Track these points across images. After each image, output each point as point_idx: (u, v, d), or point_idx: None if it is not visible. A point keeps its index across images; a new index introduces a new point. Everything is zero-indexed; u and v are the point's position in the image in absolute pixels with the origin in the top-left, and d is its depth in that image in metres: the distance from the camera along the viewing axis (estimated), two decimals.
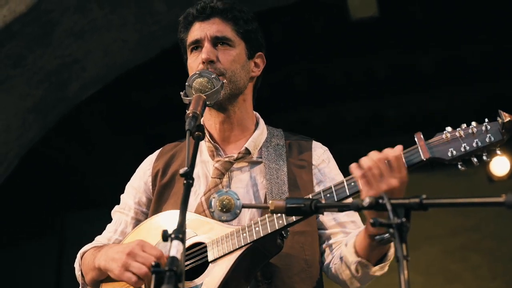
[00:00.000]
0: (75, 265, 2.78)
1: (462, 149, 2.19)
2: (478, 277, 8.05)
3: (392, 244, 2.36)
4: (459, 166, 2.22)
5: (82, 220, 8.61)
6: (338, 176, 2.70)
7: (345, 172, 2.47)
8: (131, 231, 2.73)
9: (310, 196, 2.36)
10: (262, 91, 2.90)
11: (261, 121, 2.83)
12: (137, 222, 2.78)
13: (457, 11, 6.68)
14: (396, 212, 1.81)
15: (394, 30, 6.89)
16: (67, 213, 8.94)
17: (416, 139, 2.26)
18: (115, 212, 2.86)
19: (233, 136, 2.75)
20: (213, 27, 2.69)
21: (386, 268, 2.42)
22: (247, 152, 2.68)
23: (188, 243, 2.48)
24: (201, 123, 2.24)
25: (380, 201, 1.85)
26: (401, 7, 6.69)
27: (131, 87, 7.29)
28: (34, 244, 8.97)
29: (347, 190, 2.29)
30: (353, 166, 2.25)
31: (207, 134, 2.73)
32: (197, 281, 2.43)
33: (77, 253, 2.78)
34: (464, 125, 2.24)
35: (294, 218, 2.31)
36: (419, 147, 2.24)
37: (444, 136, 2.23)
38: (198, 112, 2.25)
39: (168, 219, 2.59)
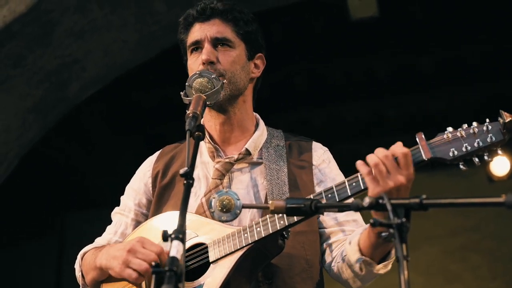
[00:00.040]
0: (75, 266, 2.78)
1: (464, 149, 2.19)
2: (478, 277, 8.05)
3: None
4: (461, 166, 2.22)
5: (82, 220, 8.61)
6: (339, 176, 2.70)
7: (346, 172, 2.47)
8: (131, 233, 2.73)
9: (312, 196, 2.36)
10: (262, 91, 2.90)
11: (261, 122, 2.83)
12: (137, 223, 2.78)
13: (457, 11, 6.68)
14: (396, 212, 1.81)
15: (394, 30, 6.89)
16: (67, 213, 8.94)
17: (417, 139, 2.26)
18: (115, 214, 2.86)
19: (233, 137, 2.75)
20: (213, 28, 2.69)
21: (389, 266, 2.42)
22: (248, 153, 2.68)
23: (189, 243, 2.48)
24: (201, 123, 2.24)
25: (380, 201, 1.85)
26: (401, 7, 6.69)
27: (131, 87, 7.29)
28: (34, 244, 8.97)
29: (348, 190, 2.29)
30: (359, 163, 2.25)
31: (207, 135, 2.73)
32: (198, 281, 2.43)
33: (77, 253, 2.78)
34: (465, 125, 2.24)
35: (295, 218, 2.31)
36: (420, 147, 2.24)
37: (445, 136, 2.23)
38: (198, 112, 2.25)
39: (168, 220, 2.59)
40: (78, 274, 2.75)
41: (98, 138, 7.94)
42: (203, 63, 2.63)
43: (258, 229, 2.37)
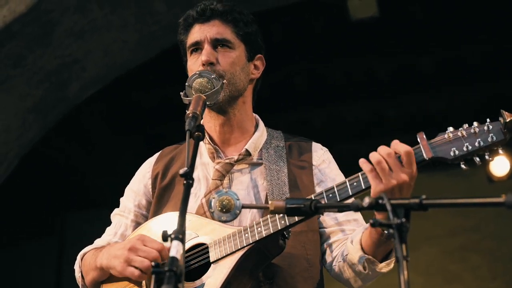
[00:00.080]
0: (75, 267, 2.78)
1: (465, 149, 2.20)
2: (478, 277, 8.05)
3: None
4: (462, 166, 2.22)
5: (82, 220, 8.61)
6: (339, 177, 2.70)
7: (346, 172, 2.47)
8: (130, 234, 2.73)
9: (312, 196, 2.36)
10: (262, 92, 2.90)
11: (261, 123, 2.83)
12: (137, 225, 2.78)
13: (457, 11, 6.69)
14: (396, 212, 1.81)
15: (394, 30, 6.89)
16: (67, 213, 8.94)
17: (418, 138, 2.26)
18: (115, 215, 2.86)
19: (233, 138, 2.75)
20: (213, 29, 2.69)
21: (392, 265, 2.42)
22: (248, 153, 2.69)
23: (190, 244, 2.48)
24: (201, 123, 2.24)
25: (380, 201, 1.85)
26: (401, 7, 6.69)
27: (131, 87, 7.29)
28: (34, 244, 8.97)
29: (349, 190, 2.29)
30: (362, 161, 2.25)
31: (207, 136, 2.73)
32: (199, 281, 2.43)
33: (77, 253, 2.78)
34: (466, 125, 2.25)
35: (296, 218, 2.31)
36: (421, 147, 2.24)
37: (446, 136, 2.24)
38: (198, 112, 2.25)
39: (168, 220, 2.59)
40: (77, 275, 2.75)
41: (98, 138, 7.94)
42: (203, 64, 2.63)
43: (259, 229, 2.37)
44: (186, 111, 2.27)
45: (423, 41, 6.96)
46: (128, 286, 2.54)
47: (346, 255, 2.50)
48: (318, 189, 2.62)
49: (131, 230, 2.78)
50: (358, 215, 2.67)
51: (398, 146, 2.23)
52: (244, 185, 2.66)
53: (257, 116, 2.85)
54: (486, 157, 2.21)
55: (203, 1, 2.77)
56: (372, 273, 2.43)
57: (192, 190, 2.52)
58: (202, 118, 2.27)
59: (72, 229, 8.72)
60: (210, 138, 2.74)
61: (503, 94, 7.41)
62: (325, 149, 2.82)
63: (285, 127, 2.93)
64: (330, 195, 2.31)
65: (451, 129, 2.25)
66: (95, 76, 5.76)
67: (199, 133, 2.19)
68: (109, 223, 2.88)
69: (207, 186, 2.66)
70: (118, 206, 2.88)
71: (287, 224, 2.33)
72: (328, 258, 2.62)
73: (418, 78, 7.53)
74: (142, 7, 5.29)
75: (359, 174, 2.29)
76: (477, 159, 2.21)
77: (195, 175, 2.62)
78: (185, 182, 2.00)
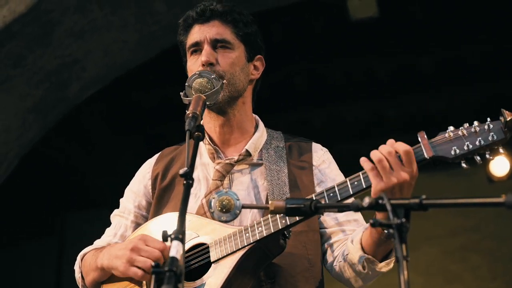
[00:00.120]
0: (74, 268, 2.77)
1: (465, 148, 2.20)
2: (478, 277, 8.05)
3: None
4: (462, 165, 2.23)
5: (82, 220, 8.61)
6: (339, 177, 2.70)
7: (346, 172, 2.47)
8: (130, 234, 2.73)
9: (313, 195, 2.36)
10: (262, 92, 2.90)
11: (261, 124, 2.83)
12: (137, 226, 2.77)
13: (457, 11, 6.69)
14: (396, 212, 1.81)
15: (394, 30, 6.89)
16: (67, 213, 8.94)
17: (419, 138, 2.27)
18: (115, 216, 2.86)
19: (233, 139, 2.75)
20: (212, 29, 2.69)
21: (392, 264, 2.42)
22: (248, 154, 2.69)
23: (190, 244, 2.49)
24: (201, 124, 2.24)
25: (380, 201, 1.85)
26: (401, 7, 6.70)
27: (131, 87, 7.29)
28: (34, 244, 8.97)
29: (350, 189, 2.30)
30: (363, 159, 2.25)
31: (207, 136, 2.73)
32: (200, 281, 2.43)
33: (77, 254, 2.78)
34: (466, 124, 2.25)
35: (297, 218, 2.31)
36: (422, 146, 2.25)
37: (447, 135, 2.24)
38: (198, 113, 2.25)
39: (168, 221, 2.59)
40: (77, 275, 2.75)
41: (98, 138, 7.94)
42: (203, 65, 2.63)
43: (260, 228, 2.37)
44: (186, 111, 2.27)
45: (423, 41, 6.96)
46: (128, 286, 2.54)
47: (347, 254, 2.50)
48: (318, 189, 2.62)
49: (131, 231, 2.77)
50: (358, 216, 2.67)
51: (398, 145, 2.24)
52: (245, 186, 2.66)
53: (257, 117, 2.85)
54: (487, 156, 2.21)
55: (203, 1, 2.77)
56: (372, 272, 2.44)
57: (192, 190, 2.52)
58: (202, 118, 2.27)
59: (72, 229, 8.73)
60: (210, 138, 2.74)
61: (503, 94, 7.41)
62: (325, 149, 2.83)
63: (285, 127, 2.93)
64: (331, 194, 2.31)
65: (451, 128, 2.25)
66: (95, 76, 5.76)
67: (199, 133, 2.19)
68: (109, 223, 2.88)
69: (207, 186, 2.66)
70: (118, 206, 2.88)
71: (288, 223, 2.33)
72: (329, 258, 2.62)
73: (418, 78, 7.53)
74: (142, 7, 5.29)
75: (360, 173, 2.29)
76: (478, 158, 2.22)
77: (195, 175, 2.62)
78: (185, 182, 2.00)
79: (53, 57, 5.35)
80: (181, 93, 2.57)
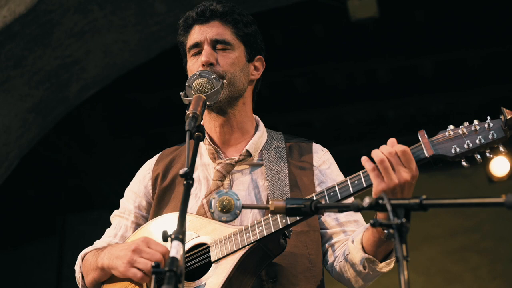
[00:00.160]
0: (75, 267, 2.77)
1: (466, 146, 2.21)
2: (478, 277, 8.06)
3: None
4: (463, 163, 2.23)
5: (83, 221, 8.62)
6: (339, 177, 2.70)
7: (346, 173, 2.48)
8: (131, 235, 2.73)
9: (314, 195, 2.36)
10: (263, 93, 2.90)
11: (261, 124, 2.83)
12: (137, 226, 2.77)
13: (457, 13, 6.69)
14: (396, 212, 1.81)
15: (395, 33, 6.90)
16: (67, 214, 8.94)
17: (419, 136, 2.27)
18: (115, 217, 2.86)
19: (233, 139, 2.75)
20: (212, 30, 2.69)
21: (392, 265, 2.42)
22: (248, 154, 2.69)
23: (190, 244, 2.49)
24: (201, 124, 2.24)
25: (380, 201, 1.85)
26: (402, 10, 6.70)
27: (131, 88, 7.29)
28: (35, 245, 8.98)
29: (350, 188, 2.30)
30: (364, 159, 2.25)
31: (207, 137, 2.73)
32: (200, 281, 2.43)
33: (77, 254, 2.77)
34: (466, 123, 2.26)
35: (297, 217, 2.31)
36: (422, 145, 2.25)
37: (447, 133, 2.25)
38: (198, 113, 2.26)
39: (168, 221, 2.59)
40: (78, 275, 2.75)
41: (98, 139, 7.94)
42: (203, 65, 2.63)
43: (260, 228, 2.37)
44: (186, 111, 2.27)
45: (423, 43, 6.96)
46: (129, 286, 2.54)
47: (347, 254, 2.51)
48: (319, 190, 2.62)
49: (131, 231, 2.77)
50: (358, 216, 2.67)
51: (395, 146, 2.24)
52: (245, 186, 2.66)
53: (257, 117, 2.86)
54: (487, 154, 2.22)
55: (203, 2, 2.77)
56: (373, 272, 2.44)
57: (193, 190, 2.52)
58: (202, 119, 2.27)
59: (73, 230, 8.73)
60: (211, 138, 2.74)
61: (503, 97, 7.41)
62: (325, 150, 2.83)
63: (285, 128, 2.93)
64: (331, 193, 2.32)
65: (451, 127, 2.26)
66: (95, 76, 5.77)
67: (199, 133, 2.19)
68: (109, 224, 2.88)
69: (208, 186, 2.66)
70: (118, 207, 2.88)
71: (288, 223, 2.33)
72: (330, 258, 2.62)
73: (418, 79, 7.53)
74: (143, 7, 5.30)
75: (360, 172, 2.30)
76: (478, 156, 2.22)
77: (195, 176, 2.63)
78: (185, 182, 2.00)
79: (53, 57, 5.35)
80: (181, 93, 2.57)
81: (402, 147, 2.23)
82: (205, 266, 2.46)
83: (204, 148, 2.74)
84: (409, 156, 2.22)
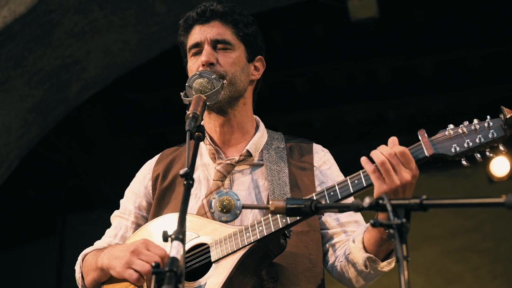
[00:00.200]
0: (75, 268, 2.77)
1: (465, 145, 2.21)
2: (478, 277, 8.06)
3: None
4: (463, 162, 2.23)
5: (83, 221, 8.62)
6: (340, 178, 2.70)
7: (346, 173, 2.48)
8: (131, 235, 2.73)
9: (314, 194, 2.36)
10: (263, 93, 2.90)
11: (261, 125, 2.83)
12: (137, 226, 2.77)
13: (457, 13, 6.69)
14: (396, 212, 1.81)
15: (395, 33, 6.90)
16: (67, 214, 8.94)
17: (419, 136, 2.27)
18: (115, 217, 2.86)
19: (233, 139, 2.75)
20: (213, 30, 2.69)
21: (393, 264, 2.42)
22: (249, 154, 2.69)
23: (190, 244, 2.49)
24: (201, 124, 2.24)
25: (380, 201, 1.85)
26: (402, 10, 6.70)
27: (131, 88, 7.30)
28: (35, 245, 8.98)
29: (350, 188, 2.30)
30: (364, 160, 2.25)
31: (207, 137, 2.73)
32: (200, 281, 2.43)
33: (77, 255, 2.77)
34: (466, 122, 2.26)
35: (298, 217, 2.31)
36: (422, 144, 2.25)
37: (447, 132, 2.25)
38: (198, 113, 2.26)
39: (168, 222, 2.59)
40: (78, 275, 2.75)
41: (98, 139, 7.94)
42: (203, 65, 2.63)
43: (260, 228, 2.37)
44: (186, 111, 2.27)
45: (424, 43, 6.96)
46: (129, 287, 2.54)
47: (348, 254, 2.50)
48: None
49: (131, 232, 2.77)
50: (359, 216, 2.67)
51: (394, 147, 2.24)
52: (245, 186, 2.66)
53: (257, 118, 2.86)
54: (487, 153, 2.21)
55: (203, 2, 2.77)
56: (374, 272, 2.44)
57: (193, 191, 2.52)
58: (202, 119, 2.27)
59: (73, 230, 8.72)
60: (211, 138, 2.74)
61: (503, 97, 7.41)
62: (326, 150, 2.83)
63: (285, 128, 2.94)
64: (331, 193, 2.32)
65: (451, 126, 2.26)
66: (95, 76, 5.77)
67: (200, 133, 2.19)
68: (109, 224, 2.88)
69: (208, 187, 2.66)
70: (118, 207, 2.88)
71: (288, 223, 2.33)
72: (331, 259, 2.62)
73: (418, 79, 7.53)
74: (143, 8, 5.30)
75: (360, 172, 2.30)
76: (478, 155, 2.22)
77: (195, 176, 2.63)
78: (185, 182, 2.00)
79: (54, 57, 5.36)
80: (181, 93, 2.57)
81: (400, 148, 2.23)
82: (205, 266, 2.46)
83: (204, 148, 2.74)
84: (408, 157, 2.22)
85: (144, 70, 6.40)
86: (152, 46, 5.74)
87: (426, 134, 2.26)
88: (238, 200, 2.26)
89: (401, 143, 2.27)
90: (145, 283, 2.48)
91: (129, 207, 2.82)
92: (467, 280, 8.06)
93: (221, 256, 2.42)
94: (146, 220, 2.77)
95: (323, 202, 2.27)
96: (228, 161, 2.67)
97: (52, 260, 8.62)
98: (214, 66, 2.64)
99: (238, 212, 2.27)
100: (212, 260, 2.44)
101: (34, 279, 8.78)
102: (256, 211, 2.58)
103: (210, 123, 2.75)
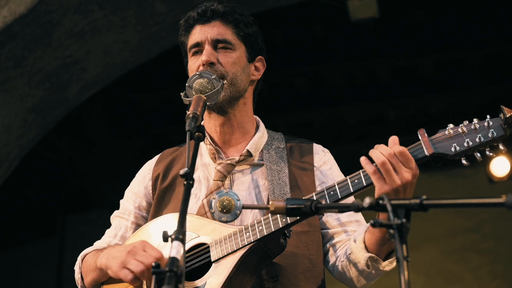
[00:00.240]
0: (75, 268, 2.77)
1: (465, 144, 2.21)
2: (478, 278, 8.06)
3: None
4: (463, 161, 2.23)
5: (83, 221, 8.62)
6: (340, 178, 2.70)
7: (346, 173, 2.48)
8: (131, 235, 2.73)
9: (314, 194, 2.36)
10: (263, 93, 2.90)
11: (262, 125, 2.83)
12: (137, 227, 2.77)
13: (457, 13, 6.69)
14: (397, 212, 1.81)
15: (395, 33, 6.90)
16: (67, 214, 8.94)
17: (419, 135, 2.27)
18: (115, 217, 2.86)
19: (233, 139, 2.75)
20: (213, 30, 2.69)
21: (395, 263, 2.41)
22: (249, 154, 2.69)
23: (190, 244, 2.49)
24: (201, 124, 2.24)
25: (380, 201, 1.85)
26: (402, 10, 6.70)
27: (131, 88, 7.30)
28: (35, 245, 8.98)
29: (350, 187, 2.30)
30: (364, 161, 2.25)
31: (208, 137, 2.73)
32: (200, 281, 2.43)
33: (77, 255, 2.77)
34: (466, 122, 2.26)
35: (298, 217, 2.31)
36: (422, 143, 2.25)
37: (447, 132, 2.25)
38: (198, 113, 2.26)
39: (168, 222, 2.59)
40: (77, 276, 2.75)
41: (98, 139, 7.95)
42: (203, 64, 2.63)
43: (260, 227, 2.37)
44: (187, 111, 2.27)
45: (424, 43, 6.97)
46: (129, 287, 2.54)
47: (349, 254, 2.50)
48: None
49: (131, 232, 2.77)
50: (359, 216, 2.67)
51: (393, 147, 2.24)
52: (246, 186, 2.66)
53: (257, 118, 2.86)
54: (487, 153, 2.21)
55: (203, 2, 2.77)
56: (376, 271, 2.44)
57: (193, 191, 2.52)
58: (202, 119, 2.27)
59: (73, 230, 8.72)
60: (211, 138, 2.74)
61: (503, 97, 7.41)
62: (326, 150, 2.83)
63: (285, 128, 2.94)
64: (332, 192, 2.32)
65: (451, 125, 2.26)
66: (95, 76, 5.77)
67: (200, 133, 2.19)
68: (109, 224, 2.88)
69: (208, 187, 2.66)
70: (118, 208, 2.88)
71: (288, 222, 2.33)
72: (331, 258, 2.62)
73: (418, 80, 7.53)
74: (143, 8, 5.30)
75: (360, 171, 2.30)
76: (478, 155, 2.22)
77: (195, 176, 2.63)
78: (185, 182, 2.00)
79: (54, 57, 5.36)
80: (181, 93, 2.57)
81: (400, 148, 2.23)
82: (205, 266, 2.46)
83: (204, 148, 2.74)
84: (407, 156, 2.22)
85: (144, 70, 6.40)
86: (152, 46, 5.74)
87: (426, 134, 2.26)
88: (238, 200, 2.26)
89: (401, 143, 2.27)
90: (145, 283, 2.49)
91: (129, 207, 2.82)
92: (467, 280, 8.06)
93: (221, 256, 2.42)
94: (146, 220, 2.77)
95: (323, 201, 2.27)
96: (229, 161, 2.67)
97: (52, 260, 8.62)
98: (215, 66, 2.64)
99: (238, 212, 2.27)
100: (212, 260, 2.44)
101: (34, 279, 8.78)
102: (256, 211, 2.59)
103: (210, 123, 2.75)
